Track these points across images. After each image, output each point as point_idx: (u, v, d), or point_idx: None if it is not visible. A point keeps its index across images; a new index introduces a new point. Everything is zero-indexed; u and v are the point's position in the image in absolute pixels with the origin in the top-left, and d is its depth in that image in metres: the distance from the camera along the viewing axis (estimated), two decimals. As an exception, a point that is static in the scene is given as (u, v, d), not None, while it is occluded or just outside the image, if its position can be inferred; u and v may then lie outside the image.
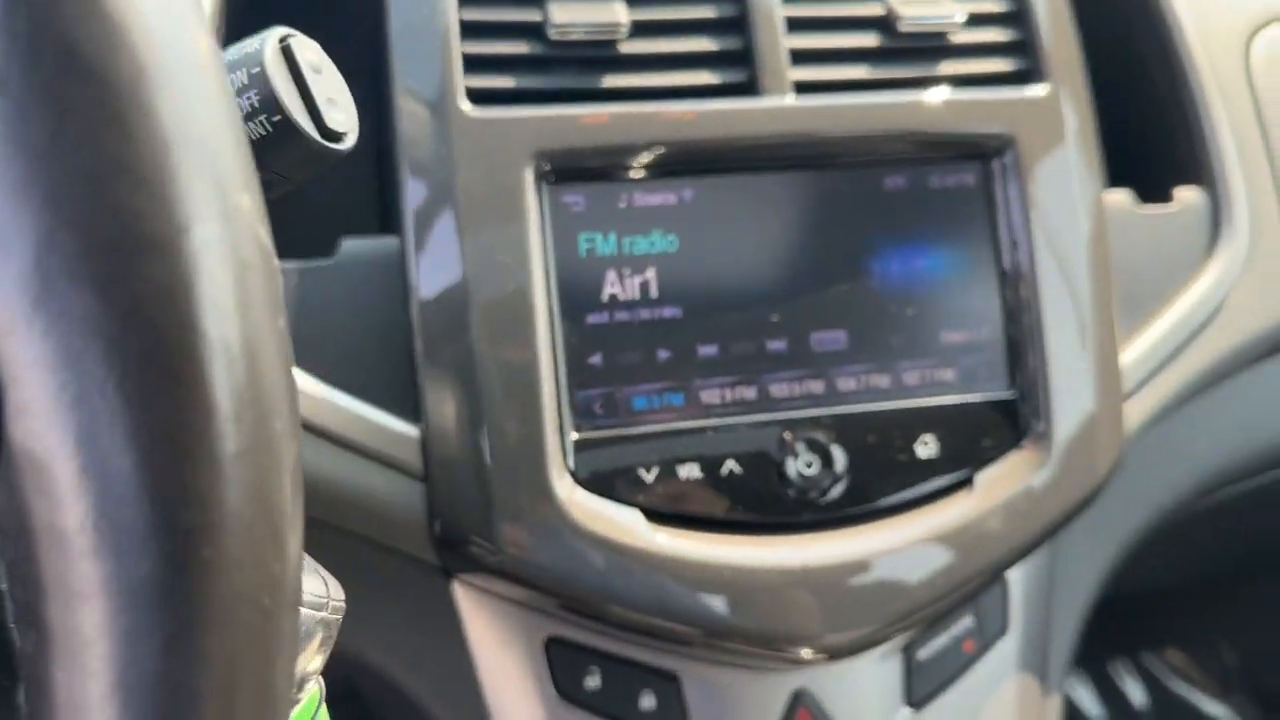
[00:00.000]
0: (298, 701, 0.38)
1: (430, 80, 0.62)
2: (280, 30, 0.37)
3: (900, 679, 0.70)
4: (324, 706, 0.41)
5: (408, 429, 0.62)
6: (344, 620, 0.70)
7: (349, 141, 0.37)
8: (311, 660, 0.38)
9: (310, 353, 0.63)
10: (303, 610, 0.37)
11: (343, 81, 0.38)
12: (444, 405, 0.60)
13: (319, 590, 0.38)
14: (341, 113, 0.37)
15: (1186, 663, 1.74)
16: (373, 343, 0.63)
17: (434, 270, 0.61)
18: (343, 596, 0.40)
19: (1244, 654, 1.72)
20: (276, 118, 0.35)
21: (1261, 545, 1.17)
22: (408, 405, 0.62)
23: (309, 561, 0.39)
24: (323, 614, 0.38)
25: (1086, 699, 1.71)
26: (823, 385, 0.66)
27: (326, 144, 0.36)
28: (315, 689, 0.39)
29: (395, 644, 0.70)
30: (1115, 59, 0.82)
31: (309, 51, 0.36)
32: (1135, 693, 1.72)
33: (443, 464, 0.61)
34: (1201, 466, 0.80)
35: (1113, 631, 1.70)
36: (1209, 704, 1.72)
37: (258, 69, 0.35)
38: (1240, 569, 1.39)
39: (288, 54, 0.36)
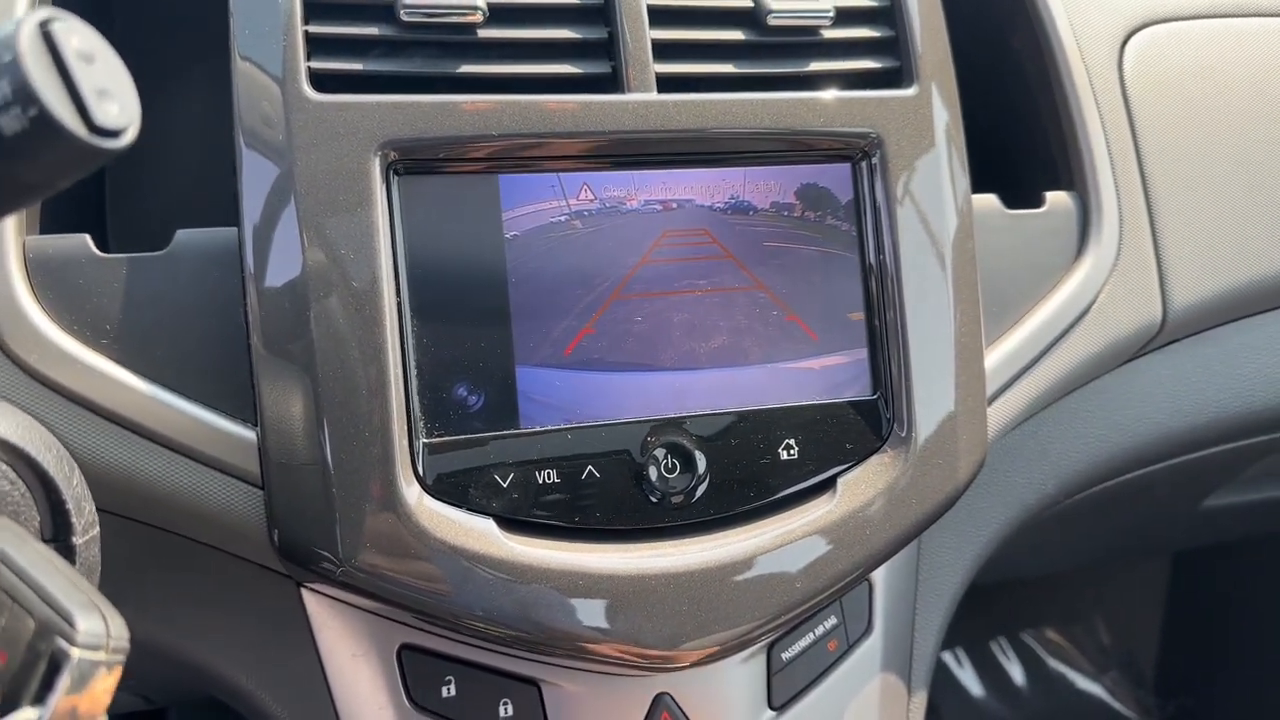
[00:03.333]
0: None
1: (271, 61, 0.58)
2: (44, 12, 0.33)
3: (763, 681, 0.69)
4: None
5: (244, 433, 0.59)
6: (188, 631, 0.67)
7: (126, 139, 0.34)
8: (90, 705, 0.35)
9: (141, 351, 0.59)
10: (77, 652, 0.34)
11: (122, 70, 0.35)
12: (282, 407, 0.57)
13: (96, 629, 0.35)
14: (116, 106, 0.33)
15: (1064, 641, 1.80)
16: (208, 340, 0.59)
17: (272, 263, 0.57)
18: (126, 634, 0.37)
19: (1119, 633, 1.78)
20: (33, 111, 0.31)
21: (1136, 534, 1.21)
22: (245, 407, 0.59)
23: (88, 597, 0.36)
24: (100, 654, 0.35)
25: (968, 677, 1.75)
26: (685, 387, 0.64)
27: (95, 141, 0.33)
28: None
29: (243, 654, 0.67)
30: (988, 61, 0.82)
31: (76, 37, 0.33)
32: (1015, 671, 1.77)
33: (281, 470, 0.57)
34: (1066, 468, 0.82)
35: (993, 612, 1.75)
36: (1085, 681, 1.78)
37: (10, 56, 0.31)
38: (1117, 554, 1.44)
39: (49, 39, 0.32)
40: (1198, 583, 1.66)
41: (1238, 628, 1.60)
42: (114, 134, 0.33)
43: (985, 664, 1.77)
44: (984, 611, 1.70)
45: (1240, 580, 1.59)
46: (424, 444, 0.59)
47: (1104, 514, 0.98)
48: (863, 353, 0.67)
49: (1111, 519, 1.03)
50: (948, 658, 1.76)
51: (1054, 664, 1.79)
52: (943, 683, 1.70)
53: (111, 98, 0.33)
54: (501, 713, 0.65)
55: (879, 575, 0.73)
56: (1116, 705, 1.75)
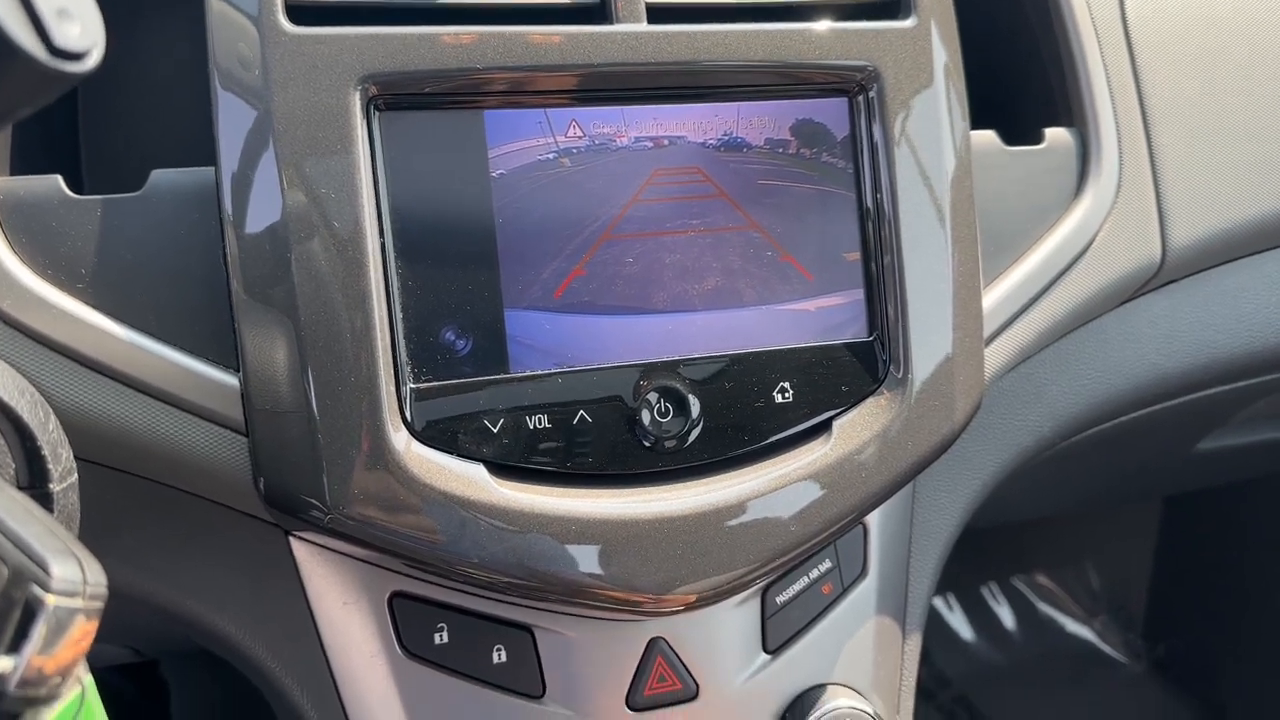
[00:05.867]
0: (50, 702, 0.34)
1: (245, -9, 0.55)
2: None
3: (757, 624, 0.69)
4: (93, 705, 0.37)
5: (226, 378, 0.57)
6: (174, 580, 0.66)
7: (90, 62, 0.32)
8: (66, 654, 0.34)
9: (118, 295, 0.57)
10: (52, 599, 0.33)
11: None
12: (264, 354, 0.56)
13: (72, 576, 0.34)
14: (77, 27, 0.31)
15: (1054, 586, 1.81)
16: (187, 284, 0.58)
17: (250, 204, 0.55)
18: (104, 581, 0.36)
19: (1109, 577, 1.80)
20: None
21: (1131, 477, 1.20)
22: (227, 352, 0.57)
23: (64, 543, 0.35)
24: (77, 601, 0.34)
25: (958, 621, 1.77)
26: (679, 330, 0.63)
27: (55, 64, 0.31)
28: (76, 691, 0.35)
29: (231, 603, 0.66)
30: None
31: None
32: (1005, 615, 1.78)
33: (265, 417, 0.56)
34: (1062, 410, 0.81)
35: (984, 556, 1.76)
36: (1075, 625, 1.80)
37: None
38: (1111, 498, 1.44)
39: None
40: (1188, 527, 1.67)
41: (1227, 571, 1.61)
42: (76, 57, 0.31)
43: (976, 608, 1.79)
44: (975, 556, 1.71)
45: (1229, 524, 1.60)
46: (411, 389, 0.58)
47: (1099, 457, 0.98)
48: (859, 293, 0.66)
49: (1107, 462, 1.03)
50: (938, 602, 1.77)
51: (1044, 608, 1.80)
52: (933, 627, 1.72)
53: (73, 19, 0.31)
54: (495, 659, 0.65)
55: (874, 519, 0.73)
56: (1105, 648, 1.77)
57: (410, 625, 0.64)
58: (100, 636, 0.82)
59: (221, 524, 0.64)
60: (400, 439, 0.57)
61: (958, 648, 1.76)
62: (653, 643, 0.67)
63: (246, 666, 0.67)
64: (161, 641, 0.83)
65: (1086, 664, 1.75)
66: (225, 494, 0.61)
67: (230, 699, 1.30)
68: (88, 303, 0.57)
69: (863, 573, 0.73)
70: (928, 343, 0.65)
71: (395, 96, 0.57)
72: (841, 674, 0.71)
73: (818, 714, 0.68)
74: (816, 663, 0.71)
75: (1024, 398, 0.80)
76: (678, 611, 0.63)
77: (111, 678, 1.30)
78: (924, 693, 1.69)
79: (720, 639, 0.68)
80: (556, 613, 0.65)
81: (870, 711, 0.69)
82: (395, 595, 0.64)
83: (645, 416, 0.61)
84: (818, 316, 0.65)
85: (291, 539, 0.64)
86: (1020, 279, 0.72)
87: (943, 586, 1.76)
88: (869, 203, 0.65)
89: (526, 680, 0.65)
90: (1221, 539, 1.62)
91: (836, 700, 0.69)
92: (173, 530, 0.65)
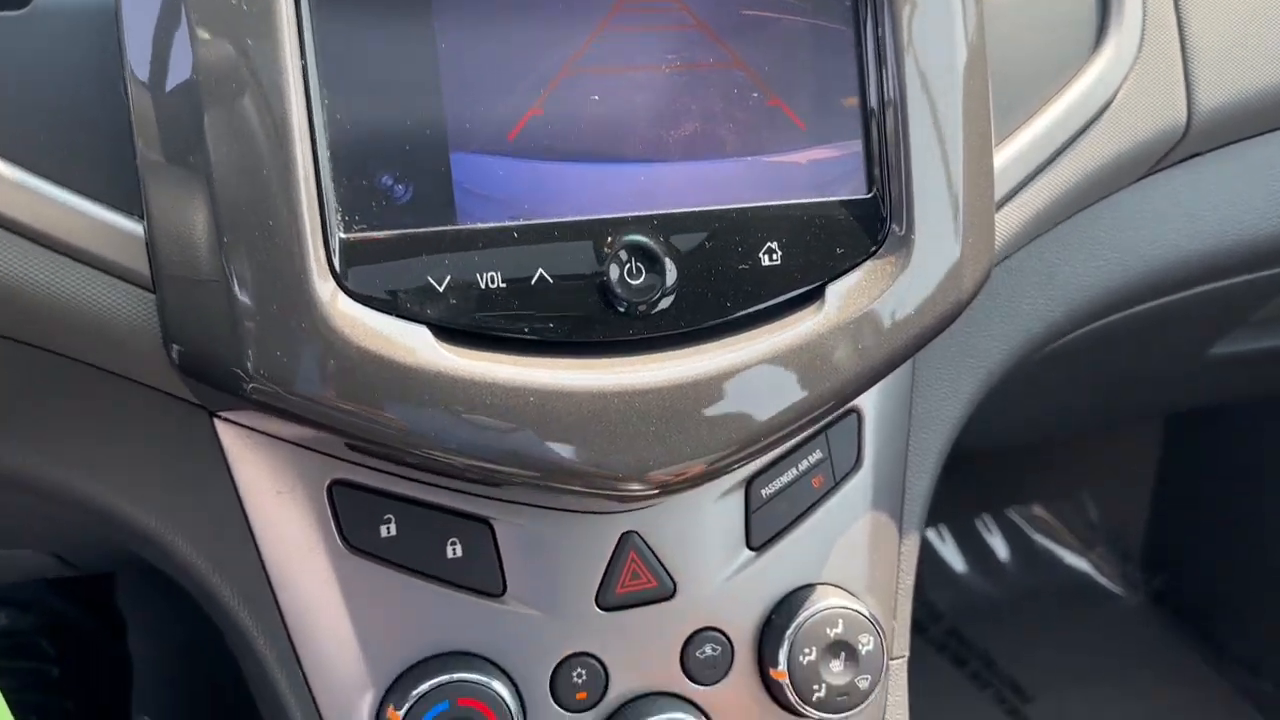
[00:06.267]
0: None
1: None
2: None
3: (740, 519, 0.63)
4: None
5: (128, 225, 0.50)
6: (86, 467, 0.59)
7: None
8: None
9: (1, 129, 0.49)
10: None
11: None
12: (171, 196, 0.48)
13: None
14: None
15: (1050, 517, 1.76)
16: (81, 117, 0.50)
17: (149, 25, 0.47)
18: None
19: (1106, 508, 1.75)
20: None
21: (1139, 385, 1.14)
22: (129, 196, 0.50)
23: None
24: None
25: (950, 553, 1.72)
26: (653, 181, 0.55)
27: None
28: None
29: (151, 494, 0.59)
30: None
31: None
32: (999, 546, 1.73)
33: (174, 271, 0.49)
34: (1075, 294, 0.74)
35: (977, 486, 1.71)
36: (1071, 556, 1.75)
37: None
38: (1115, 412, 1.37)
39: None
40: (1188, 457, 1.62)
41: (1227, 502, 1.56)
42: None
43: (969, 540, 1.74)
44: (968, 487, 1.65)
45: (1230, 454, 1.55)
46: (342, 240, 0.50)
47: (1109, 359, 0.91)
48: (857, 145, 0.58)
49: (1117, 366, 0.96)
50: (930, 534, 1.72)
51: (1039, 539, 1.75)
52: (925, 559, 1.67)
53: None
54: (449, 553, 0.58)
55: (869, 406, 0.66)
56: (1102, 580, 1.73)
57: (352, 516, 0.58)
58: (22, 541, 0.74)
59: (137, 405, 0.57)
60: (326, 291, 0.49)
61: (950, 580, 1.71)
62: (625, 537, 0.60)
63: (171, 566, 0.60)
64: (84, 546, 0.76)
65: (1083, 596, 1.71)
66: (135, 366, 0.54)
67: (190, 631, 1.24)
68: (-37, 137, 0.49)
69: (857, 465, 0.66)
70: (934, 199, 0.58)
71: (318, -106, 0.49)
72: (833, 573, 0.65)
73: (807, 614, 0.62)
74: (805, 561, 0.64)
75: (1034, 279, 0.73)
76: (652, 495, 0.56)
77: (69, 609, 1.24)
78: (916, 626, 1.64)
79: (699, 534, 0.62)
80: (518, 504, 0.59)
81: (865, 612, 0.63)
82: (335, 483, 0.58)
83: (614, 274, 0.54)
84: (810, 170, 0.58)
85: (217, 421, 0.57)
86: (1031, 139, 0.65)
87: (934, 518, 1.70)
88: (869, 39, 0.57)
89: (485, 577, 0.59)
90: (1222, 469, 1.57)
91: (827, 599, 0.63)
92: (83, 413, 0.58)
